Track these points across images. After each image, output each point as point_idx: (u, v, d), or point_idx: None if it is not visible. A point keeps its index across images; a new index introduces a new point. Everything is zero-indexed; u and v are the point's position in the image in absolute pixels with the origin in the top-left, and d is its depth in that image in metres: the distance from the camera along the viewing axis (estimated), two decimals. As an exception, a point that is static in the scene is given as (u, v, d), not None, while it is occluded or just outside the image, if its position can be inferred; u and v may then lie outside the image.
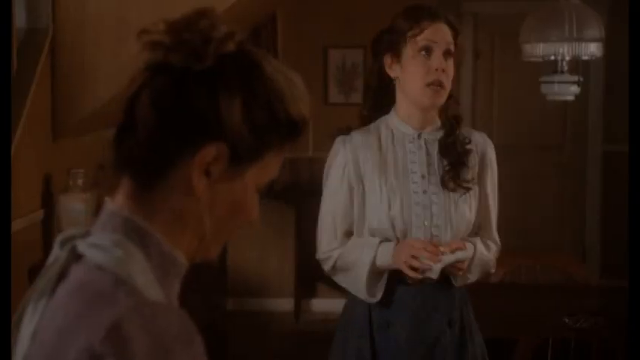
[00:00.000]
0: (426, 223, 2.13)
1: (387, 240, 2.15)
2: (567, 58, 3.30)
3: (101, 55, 3.35)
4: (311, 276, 5.89)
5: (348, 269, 2.20)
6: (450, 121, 2.22)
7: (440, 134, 2.22)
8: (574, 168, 6.58)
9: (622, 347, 2.62)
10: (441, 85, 2.15)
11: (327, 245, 2.23)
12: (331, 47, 5.95)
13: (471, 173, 2.19)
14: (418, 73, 2.14)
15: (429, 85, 2.13)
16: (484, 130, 7.22)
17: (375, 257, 2.15)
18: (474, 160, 2.22)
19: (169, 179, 1.00)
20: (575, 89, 3.45)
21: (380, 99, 2.24)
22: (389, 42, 2.20)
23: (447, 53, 2.17)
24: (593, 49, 3.34)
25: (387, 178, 2.17)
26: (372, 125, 2.25)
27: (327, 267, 2.24)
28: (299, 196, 5.82)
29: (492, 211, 2.27)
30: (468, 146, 2.21)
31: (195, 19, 0.99)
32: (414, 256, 2.08)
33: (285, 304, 5.90)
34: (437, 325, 2.18)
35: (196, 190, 0.99)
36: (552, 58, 3.33)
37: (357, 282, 2.18)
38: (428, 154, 2.19)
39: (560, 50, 3.27)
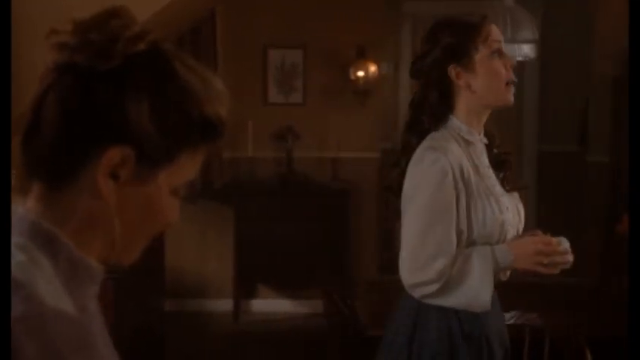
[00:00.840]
0: (514, 223, 2.21)
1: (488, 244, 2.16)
2: (502, 59, 3.34)
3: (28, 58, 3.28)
4: (250, 276, 5.86)
5: (463, 283, 2.12)
6: (490, 129, 2.29)
7: (485, 141, 2.27)
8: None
9: (560, 341, 2.67)
10: (514, 82, 2.22)
11: (442, 262, 2.10)
12: (271, 47, 5.93)
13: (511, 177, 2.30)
14: (499, 73, 2.19)
15: (507, 84, 2.19)
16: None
17: (497, 262, 2.13)
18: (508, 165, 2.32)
19: (79, 181, 0.97)
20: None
21: (440, 111, 2.22)
22: (457, 52, 2.19)
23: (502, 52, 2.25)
24: (527, 51, 3.39)
25: (482, 183, 2.18)
26: (441, 134, 2.21)
27: (437, 286, 2.11)
28: (238, 196, 5.80)
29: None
30: (504, 154, 2.30)
31: (104, 18, 0.98)
32: (543, 254, 2.14)
33: (224, 305, 5.86)
34: (502, 324, 2.27)
35: (103, 193, 0.97)
36: (487, 59, 3.36)
37: (477, 292, 2.13)
38: (489, 158, 2.27)
39: (496, 51, 3.30)
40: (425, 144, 2.15)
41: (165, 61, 0.99)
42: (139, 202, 1.00)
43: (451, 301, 2.12)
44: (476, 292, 2.11)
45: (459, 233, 2.12)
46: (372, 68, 5.89)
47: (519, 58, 3.44)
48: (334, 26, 5.86)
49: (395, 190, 2.24)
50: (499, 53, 2.18)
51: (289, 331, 5.55)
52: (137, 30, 0.98)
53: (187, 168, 1.02)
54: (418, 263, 2.11)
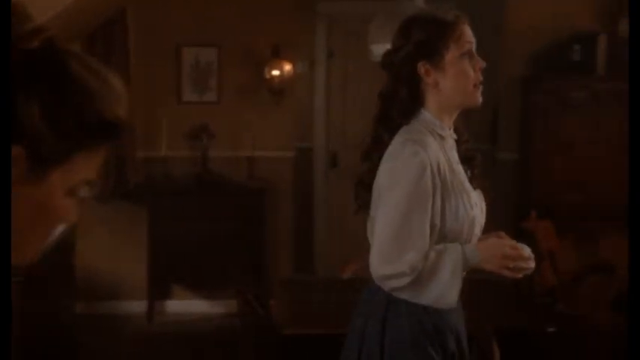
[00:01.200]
0: (478, 219, 2.21)
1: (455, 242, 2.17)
2: (412, 59, 3.38)
3: None
4: (165, 277, 5.80)
5: (433, 279, 2.13)
6: (459, 126, 2.30)
7: (454, 135, 2.28)
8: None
9: (483, 336, 2.72)
10: (481, 84, 2.21)
11: (416, 256, 2.11)
12: (184, 45, 5.87)
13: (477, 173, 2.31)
14: (467, 75, 2.19)
15: (475, 85, 2.19)
16: (338, 130, 7.29)
17: (465, 259, 2.14)
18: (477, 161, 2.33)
19: None
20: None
21: (410, 106, 2.22)
22: (427, 50, 2.20)
23: (473, 54, 2.24)
24: (436, 51, 3.43)
25: (455, 178, 2.19)
26: (415, 127, 2.21)
27: (408, 279, 2.12)
28: (152, 196, 5.72)
29: None
30: (472, 150, 2.33)
31: None
32: (509, 258, 2.14)
33: (138, 306, 5.78)
34: (462, 318, 2.29)
35: None
36: (398, 59, 3.40)
37: (446, 288, 2.14)
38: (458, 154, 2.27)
39: (406, 51, 3.34)
40: (401, 137, 2.16)
41: (60, 60, 0.97)
42: (31, 201, 0.98)
43: (420, 296, 2.13)
44: (445, 289, 2.12)
45: (432, 227, 2.12)
46: (287, 67, 5.89)
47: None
48: (249, 25, 5.84)
49: (366, 184, 2.23)
50: (469, 55, 2.20)
51: (204, 331, 5.51)
52: (30, 27, 0.96)
53: (83, 168, 1.01)
54: (391, 255, 2.10)
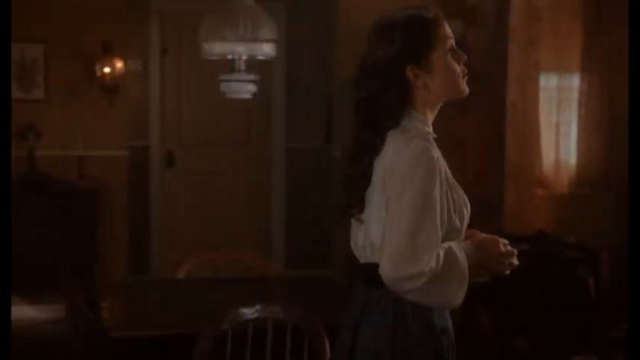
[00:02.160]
0: (467, 216, 2.18)
1: (451, 240, 2.13)
2: (244, 57, 3.40)
3: None
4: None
5: (448, 278, 2.08)
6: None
7: (434, 134, 2.24)
8: (260, 164, 6.82)
9: (311, 331, 2.75)
10: (466, 74, 2.21)
11: (431, 255, 2.04)
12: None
13: None
14: (455, 70, 2.18)
15: (463, 77, 2.19)
16: (173, 129, 7.22)
17: (471, 259, 2.11)
18: None
19: None
20: (252, 87, 3.57)
21: (400, 109, 2.17)
22: (409, 54, 2.15)
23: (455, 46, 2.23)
24: (267, 49, 3.46)
25: (450, 174, 2.16)
26: (408, 126, 2.16)
27: (425, 279, 2.04)
28: None
29: None
30: None
31: None
32: (504, 255, 2.13)
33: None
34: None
35: None
36: (230, 57, 3.41)
37: (455, 289, 2.10)
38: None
39: (237, 49, 3.35)
40: (402, 135, 2.12)
41: None
42: None
43: (431, 297, 2.09)
44: (457, 288, 2.09)
45: (440, 224, 2.09)
46: (119, 65, 5.76)
47: (260, 57, 3.51)
48: (78, 20, 5.66)
49: (357, 188, 2.17)
50: (452, 50, 2.19)
51: (33, 337, 5.30)
52: None
53: None
54: (408, 256, 2.04)
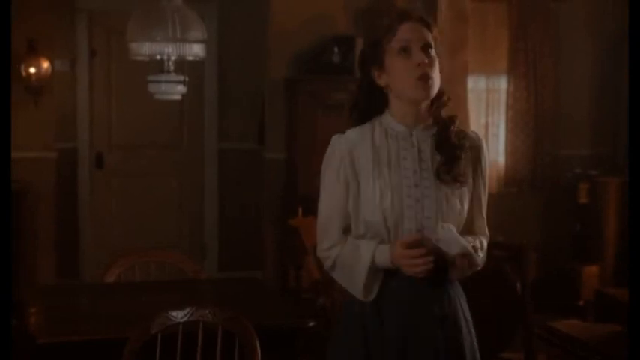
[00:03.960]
0: (417, 215, 2.23)
1: (379, 235, 2.25)
2: (173, 58, 3.37)
3: None
4: None
5: (346, 268, 2.30)
6: (445, 118, 2.31)
7: (433, 131, 2.30)
8: (192, 166, 6.77)
9: (242, 333, 2.75)
10: (428, 76, 2.24)
11: (327, 243, 2.32)
12: None
13: (465, 167, 2.29)
14: (404, 71, 2.24)
15: (418, 79, 2.23)
16: (102, 131, 7.11)
17: (374, 256, 2.24)
18: (468, 156, 2.30)
19: None
20: (181, 88, 3.54)
21: (370, 107, 2.34)
22: (371, 56, 2.31)
23: (426, 48, 2.26)
24: (196, 50, 3.45)
25: (380, 172, 2.26)
26: (367, 124, 2.33)
27: (326, 265, 2.34)
28: None
29: (484, 206, 2.38)
30: (463, 141, 2.30)
31: None
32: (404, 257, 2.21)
33: None
34: (429, 320, 2.25)
35: None
36: (158, 57, 3.38)
37: (355, 281, 2.28)
38: (420, 150, 2.28)
39: (166, 50, 3.33)
40: None
41: None
42: None
43: (343, 282, 2.36)
44: (358, 280, 2.32)
45: (348, 220, 2.33)
46: (45, 65, 5.65)
47: (189, 58, 3.49)
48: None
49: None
50: (405, 50, 2.25)
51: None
52: None
53: None
54: (318, 241, 2.34)
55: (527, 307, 3.51)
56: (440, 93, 2.31)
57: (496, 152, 6.30)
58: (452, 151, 2.28)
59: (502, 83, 6.31)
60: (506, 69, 6.27)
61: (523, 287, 3.51)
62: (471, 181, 2.32)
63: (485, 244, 2.38)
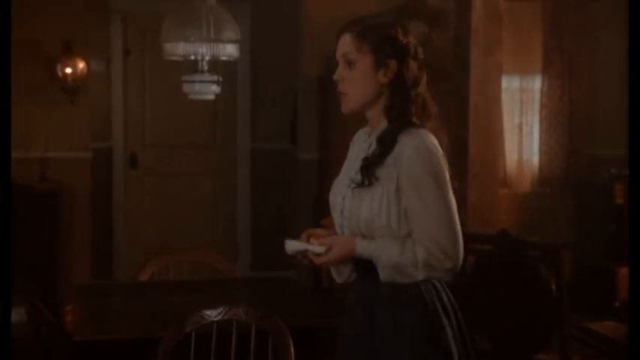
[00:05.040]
0: (342, 213, 2.33)
1: None
2: (207, 58, 3.39)
3: None
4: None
5: None
6: (387, 119, 2.30)
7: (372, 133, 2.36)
8: (225, 166, 6.79)
9: (275, 332, 2.75)
10: (341, 93, 2.30)
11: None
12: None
13: (383, 170, 2.24)
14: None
15: (339, 94, 2.32)
16: (136, 130, 7.15)
17: None
18: (391, 158, 2.24)
19: None
20: (215, 88, 3.55)
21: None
22: None
23: (346, 62, 2.28)
24: (230, 50, 3.46)
25: (341, 171, 2.41)
26: None
27: None
28: None
29: (425, 214, 2.22)
30: (388, 143, 2.26)
31: None
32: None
33: None
34: (365, 318, 2.34)
35: None
36: (192, 57, 3.40)
37: None
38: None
39: (200, 50, 3.34)
40: None
41: None
42: None
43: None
44: None
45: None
46: (81, 65, 5.70)
47: (223, 58, 3.50)
48: (37, 19, 5.59)
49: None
50: (337, 64, 2.31)
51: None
52: None
53: None
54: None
55: (562, 308, 3.48)
56: (394, 93, 2.28)
57: (530, 152, 6.25)
58: (375, 152, 2.28)
59: (536, 82, 6.26)
60: (540, 68, 6.21)
61: (558, 288, 3.47)
62: (392, 186, 2.23)
63: (421, 253, 2.23)
